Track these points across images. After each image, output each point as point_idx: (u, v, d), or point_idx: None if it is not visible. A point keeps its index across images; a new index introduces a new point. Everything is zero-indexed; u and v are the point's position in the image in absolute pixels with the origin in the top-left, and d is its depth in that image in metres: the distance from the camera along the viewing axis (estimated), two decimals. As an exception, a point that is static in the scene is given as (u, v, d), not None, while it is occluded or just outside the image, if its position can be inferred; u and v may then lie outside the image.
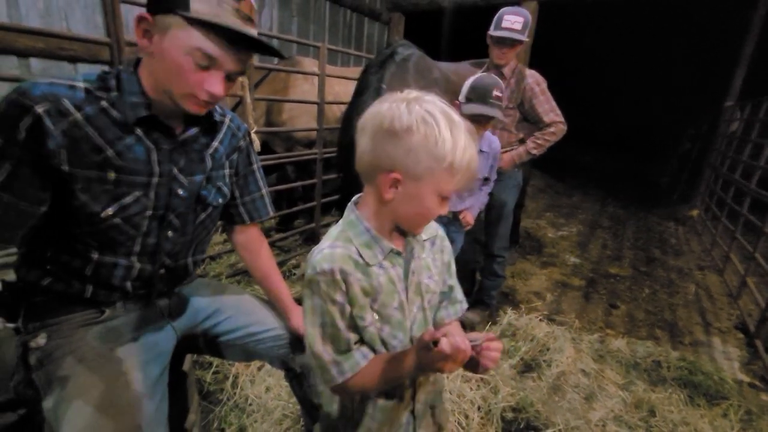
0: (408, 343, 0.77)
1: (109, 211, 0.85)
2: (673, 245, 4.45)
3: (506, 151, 2.20)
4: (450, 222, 2.03)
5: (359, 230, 0.72)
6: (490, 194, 2.24)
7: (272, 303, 1.24)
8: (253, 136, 2.22)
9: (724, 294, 3.23)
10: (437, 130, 0.62)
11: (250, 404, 1.67)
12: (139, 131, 0.87)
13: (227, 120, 1.09)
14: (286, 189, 3.08)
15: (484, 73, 1.80)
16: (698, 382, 2.02)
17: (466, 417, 1.51)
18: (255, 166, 1.18)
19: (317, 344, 0.71)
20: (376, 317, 0.73)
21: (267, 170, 3.44)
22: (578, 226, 4.88)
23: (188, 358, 1.29)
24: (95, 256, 0.89)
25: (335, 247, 0.70)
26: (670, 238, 4.70)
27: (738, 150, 4.43)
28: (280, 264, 2.97)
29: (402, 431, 0.83)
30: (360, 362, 0.71)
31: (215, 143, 1.04)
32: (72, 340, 0.90)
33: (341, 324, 0.70)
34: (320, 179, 3.07)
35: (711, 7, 7.98)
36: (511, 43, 2.05)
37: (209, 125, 1.02)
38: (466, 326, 2.33)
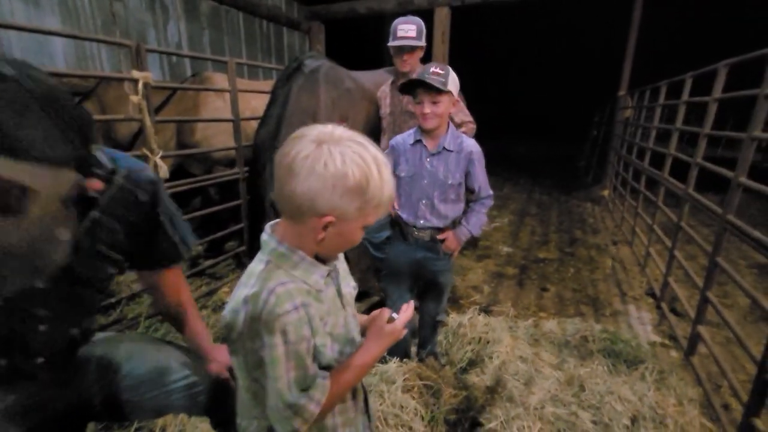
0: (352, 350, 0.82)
1: None
2: (591, 224, 4.88)
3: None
4: (431, 248, 1.78)
5: (294, 261, 0.72)
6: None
7: (182, 345, 1.13)
8: (158, 162, 2.04)
9: (635, 264, 3.60)
10: (369, 173, 0.67)
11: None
12: None
13: (112, 191, 0.88)
14: (211, 212, 2.89)
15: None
16: (619, 350, 2.20)
17: (410, 429, 1.50)
18: (163, 218, 1.01)
19: (291, 390, 0.69)
20: (329, 340, 0.75)
21: (188, 194, 3.21)
22: (509, 216, 5.17)
23: (91, 426, 1.14)
24: None
25: (284, 283, 0.69)
26: (589, 218, 5.16)
27: (632, 134, 4.98)
28: (211, 293, 2.77)
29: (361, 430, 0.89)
30: (326, 385, 0.73)
31: (95, 213, 0.86)
32: None
33: (308, 360, 0.71)
34: (245, 199, 2.92)
35: (598, 7, 8.96)
36: (410, 49, 2.15)
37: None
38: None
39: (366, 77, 2.70)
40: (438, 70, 1.56)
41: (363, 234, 0.75)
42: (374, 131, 2.41)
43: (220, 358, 1.10)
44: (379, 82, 2.58)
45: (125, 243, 0.94)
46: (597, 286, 3.17)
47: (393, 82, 2.32)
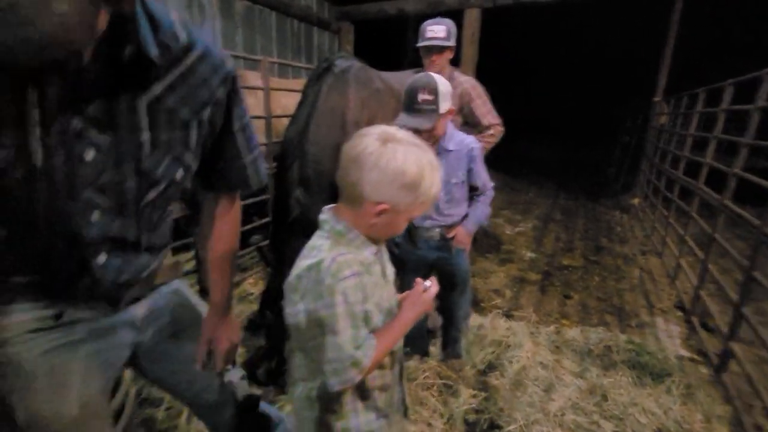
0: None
1: None
2: (618, 233, 4.74)
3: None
4: (442, 247, 1.81)
5: (350, 237, 0.82)
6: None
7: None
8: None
9: (664, 276, 3.48)
10: (423, 173, 0.77)
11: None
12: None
13: (192, 57, 0.74)
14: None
15: (419, 74, 1.63)
16: (645, 362, 2.15)
17: (429, 425, 1.52)
18: (237, 125, 0.86)
19: (349, 344, 0.77)
20: (376, 309, 0.84)
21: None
22: (534, 221, 5.09)
23: (132, 393, 1.21)
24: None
25: (344, 254, 0.78)
26: (616, 226, 5.01)
27: (667, 141, 4.81)
28: (236, 284, 2.87)
29: (396, 398, 0.97)
30: (374, 344, 0.81)
31: (157, 87, 0.70)
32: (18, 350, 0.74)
33: (361, 321, 0.80)
34: (272, 194, 3.00)
35: (634, 10, 8.67)
36: (439, 50, 2.15)
37: (140, 63, 0.66)
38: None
39: (394, 78, 2.72)
40: (427, 96, 1.47)
41: (406, 225, 0.85)
42: (401, 131, 2.44)
43: (219, 333, 0.99)
44: (406, 83, 2.61)
45: (191, 142, 0.79)
46: (623, 296, 3.09)
47: (421, 83, 2.33)
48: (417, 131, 1.50)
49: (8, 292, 0.74)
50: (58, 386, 0.77)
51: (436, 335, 2.24)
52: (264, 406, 1.19)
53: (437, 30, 2.13)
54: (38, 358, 0.76)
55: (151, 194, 0.77)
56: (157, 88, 0.70)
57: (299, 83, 3.48)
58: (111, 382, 0.90)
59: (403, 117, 1.58)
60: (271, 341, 1.86)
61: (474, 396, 1.81)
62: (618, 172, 7.85)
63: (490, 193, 1.81)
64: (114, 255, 0.77)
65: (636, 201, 5.90)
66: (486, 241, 4.12)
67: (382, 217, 0.79)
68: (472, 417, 1.71)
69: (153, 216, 0.81)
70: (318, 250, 0.80)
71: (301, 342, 0.86)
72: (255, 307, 2.51)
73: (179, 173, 0.79)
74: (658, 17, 6.12)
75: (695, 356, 2.32)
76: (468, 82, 2.22)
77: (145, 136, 0.71)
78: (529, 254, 3.90)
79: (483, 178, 1.76)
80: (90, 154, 0.66)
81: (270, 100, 2.84)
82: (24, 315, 0.75)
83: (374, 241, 0.85)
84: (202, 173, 0.89)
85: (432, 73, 1.60)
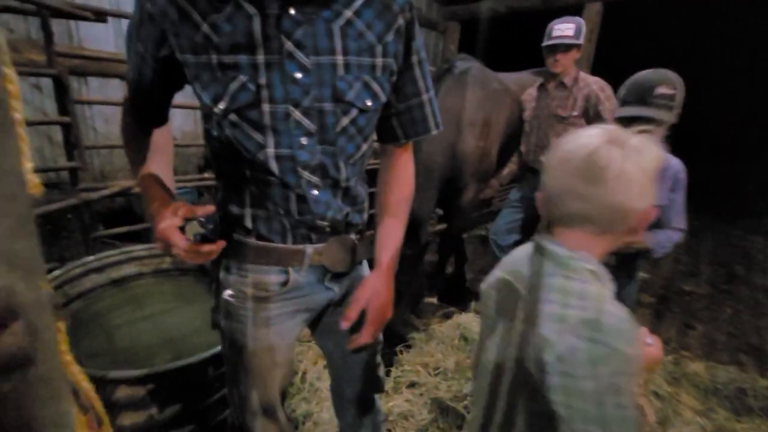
0: None
1: (221, 104, 0.69)
2: (759, 261, 4.02)
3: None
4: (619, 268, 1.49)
5: (600, 273, 0.68)
6: None
7: None
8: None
9: (825, 319, 2.88)
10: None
11: (317, 393, 1.80)
12: None
13: None
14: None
15: (648, 70, 1.50)
16: (793, 415, 1.84)
17: None
18: (415, 58, 0.83)
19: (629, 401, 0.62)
20: None
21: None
22: (646, 238, 4.57)
23: None
24: (236, 173, 0.77)
25: (616, 304, 0.64)
26: (758, 254, 4.25)
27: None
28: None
29: None
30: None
31: (348, 12, 0.72)
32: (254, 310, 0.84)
33: None
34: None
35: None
36: (565, 48, 2.05)
37: None
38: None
39: (511, 79, 2.69)
40: (666, 91, 1.37)
41: None
42: (515, 133, 2.41)
43: (376, 297, 0.88)
44: (525, 84, 2.55)
45: (377, 68, 0.77)
46: (763, 335, 2.64)
47: (541, 85, 2.27)
48: (647, 123, 1.38)
49: (242, 251, 0.81)
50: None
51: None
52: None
53: (564, 28, 2.04)
54: (266, 321, 0.85)
55: (344, 120, 0.76)
56: (348, 13, 0.72)
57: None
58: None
59: (632, 109, 1.43)
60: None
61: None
62: (763, 190, 6.58)
63: (675, 236, 1.46)
64: (322, 188, 0.79)
65: (787, 226, 4.91)
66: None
67: (622, 239, 0.68)
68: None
69: (347, 148, 0.79)
70: (579, 297, 0.64)
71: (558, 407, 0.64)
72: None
73: (368, 100, 0.77)
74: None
75: None
76: (596, 83, 2.10)
77: (339, 59, 0.72)
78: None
79: (679, 212, 1.46)
80: (299, 74, 0.70)
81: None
82: (259, 277, 0.83)
83: None
84: (383, 119, 0.87)
85: (670, 72, 1.46)
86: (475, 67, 2.40)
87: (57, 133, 2.49)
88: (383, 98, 0.80)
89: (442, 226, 3.50)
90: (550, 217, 0.70)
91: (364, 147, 0.83)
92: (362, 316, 0.86)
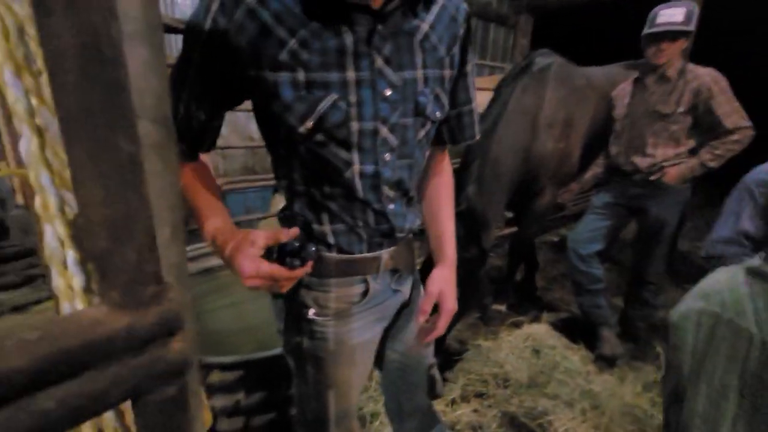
0: None
1: (309, 124, 0.66)
2: None
3: (675, 165, 1.94)
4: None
5: None
6: (646, 211, 2.02)
7: None
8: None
9: None
10: None
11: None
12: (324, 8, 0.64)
13: (437, 6, 0.74)
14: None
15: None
16: None
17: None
18: (470, 66, 0.85)
19: None
20: None
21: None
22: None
23: None
24: (314, 191, 0.75)
25: None
26: None
27: None
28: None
29: None
30: None
31: (424, 26, 0.72)
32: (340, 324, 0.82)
33: None
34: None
35: None
36: (672, 36, 1.79)
37: (416, 2, 0.70)
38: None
39: (598, 73, 2.48)
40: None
41: None
42: (602, 133, 2.21)
43: (447, 289, 0.92)
44: (614, 79, 2.34)
45: (446, 80, 0.78)
46: None
47: (637, 79, 2.05)
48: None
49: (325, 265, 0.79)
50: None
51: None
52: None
53: (672, 14, 1.78)
54: (349, 333, 0.83)
55: (421, 133, 0.77)
56: (425, 27, 0.72)
57: (477, 81, 3.50)
58: None
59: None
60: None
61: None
62: None
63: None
64: (398, 200, 0.80)
65: None
66: (684, 269, 3.42)
67: None
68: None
69: (420, 159, 0.81)
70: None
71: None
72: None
73: (438, 112, 0.78)
74: None
75: None
76: (709, 74, 1.82)
77: (420, 73, 0.73)
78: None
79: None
80: (389, 92, 0.70)
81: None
82: (342, 290, 0.81)
83: None
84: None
85: None
86: (557, 62, 2.25)
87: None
88: (447, 108, 0.81)
89: (511, 230, 3.34)
90: None
91: (426, 156, 0.86)
92: (433, 310, 0.91)
